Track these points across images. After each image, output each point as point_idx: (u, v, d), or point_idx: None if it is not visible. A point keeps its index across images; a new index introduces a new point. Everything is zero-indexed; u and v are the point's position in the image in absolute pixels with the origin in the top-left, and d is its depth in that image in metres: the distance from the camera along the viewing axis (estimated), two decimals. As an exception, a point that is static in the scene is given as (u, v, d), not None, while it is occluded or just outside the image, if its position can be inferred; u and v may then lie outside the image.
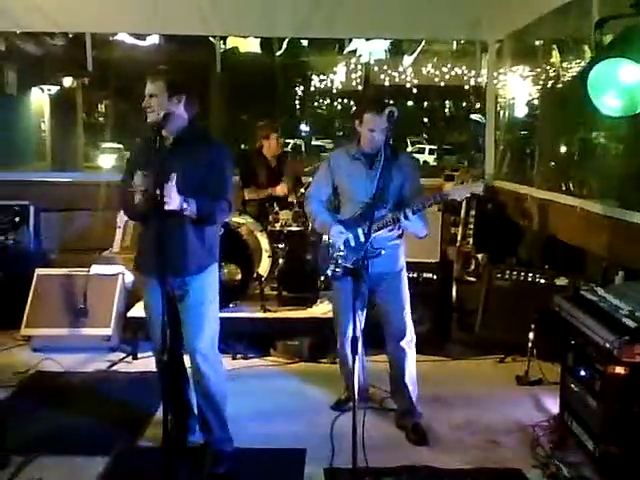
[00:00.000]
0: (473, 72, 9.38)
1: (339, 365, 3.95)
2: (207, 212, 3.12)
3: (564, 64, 6.83)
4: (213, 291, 3.28)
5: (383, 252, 3.49)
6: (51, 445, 3.48)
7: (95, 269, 5.08)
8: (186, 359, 3.36)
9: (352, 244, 3.56)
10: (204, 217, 3.12)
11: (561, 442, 3.46)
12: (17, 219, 5.71)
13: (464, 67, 10.14)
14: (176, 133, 3.13)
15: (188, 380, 3.43)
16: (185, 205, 3.01)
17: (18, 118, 8.25)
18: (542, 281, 4.80)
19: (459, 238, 5.43)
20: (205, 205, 3.09)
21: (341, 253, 3.56)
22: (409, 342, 3.68)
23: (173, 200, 2.93)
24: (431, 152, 22.04)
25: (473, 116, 10.47)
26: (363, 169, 3.55)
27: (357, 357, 2.84)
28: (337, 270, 3.57)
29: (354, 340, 2.80)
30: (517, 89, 7.23)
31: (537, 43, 6.63)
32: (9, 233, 5.65)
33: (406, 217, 3.36)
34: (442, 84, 11.06)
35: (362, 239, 3.51)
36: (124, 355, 4.82)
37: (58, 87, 9.11)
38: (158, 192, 2.85)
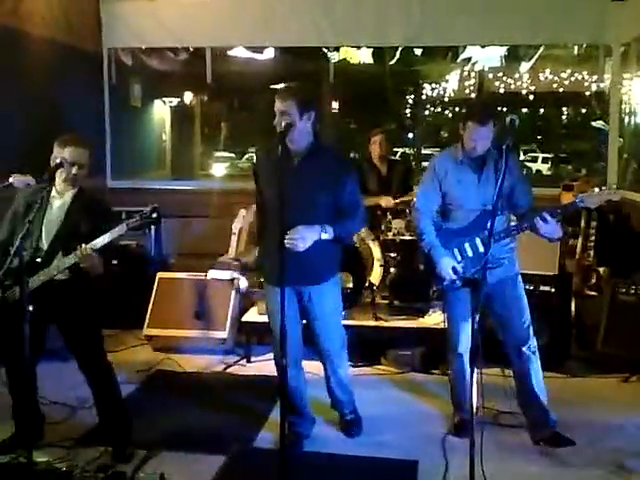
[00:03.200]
0: (595, 77, 8.99)
1: (450, 386, 3.82)
2: (345, 234, 3.30)
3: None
4: (337, 299, 3.47)
5: (506, 262, 3.41)
6: (172, 441, 3.63)
7: (212, 274, 5.27)
8: (311, 365, 3.54)
9: (469, 254, 3.48)
10: (342, 239, 3.29)
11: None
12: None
13: (585, 72, 9.74)
14: (305, 149, 3.22)
15: (305, 386, 3.56)
16: (324, 235, 3.18)
17: (142, 129, 8.72)
18: (670, 297, 4.53)
19: (579, 250, 5.21)
20: (343, 229, 3.25)
21: (458, 266, 3.47)
22: (533, 349, 3.55)
23: (303, 244, 3.10)
24: (545, 161, 21.28)
25: (594, 123, 10.02)
26: (471, 174, 3.45)
27: (474, 370, 2.79)
28: (455, 281, 3.48)
29: (473, 351, 2.75)
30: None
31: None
32: (132, 237, 5.95)
33: (545, 220, 3.22)
34: (561, 90, 10.68)
35: (481, 249, 3.42)
36: (238, 358, 4.97)
37: (179, 99, 9.57)
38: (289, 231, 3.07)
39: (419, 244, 3.61)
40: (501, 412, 3.96)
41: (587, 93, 10.37)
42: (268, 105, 3.23)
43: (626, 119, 6.88)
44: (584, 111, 11.25)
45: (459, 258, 3.49)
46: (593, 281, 5.10)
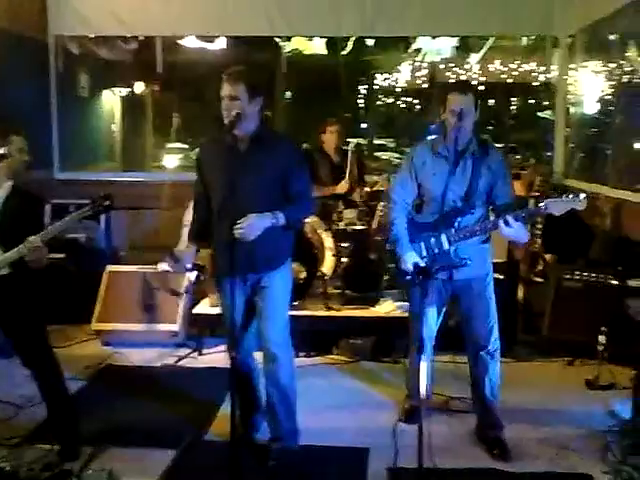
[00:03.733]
0: (543, 68, 9.14)
1: (407, 374, 3.84)
2: (295, 220, 3.23)
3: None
4: (288, 285, 3.36)
5: (469, 262, 3.31)
6: (121, 437, 3.58)
7: (162, 266, 5.19)
8: (257, 355, 3.42)
9: (435, 251, 3.38)
10: (292, 225, 3.20)
11: (634, 448, 3.34)
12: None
13: (533, 63, 9.90)
14: (252, 135, 3.16)
15: (257, 377, 3.49)
16: (274, 221, 3.08)
17: (91, 120, 8.53)
18: (614, 282, 4.65)
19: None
20: (293, 214, 3.17)
21: (421, 260, 3.38)
22: (492, 352, 3.49)
23: (251, 233, 3.01)
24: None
25: (542, 114, 10.20)
26: (447, 167, 3.32)
27: (425, 359, 2.81)
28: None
29: (422, 340, 2.77)
30: (589, 85, 7.02)
31: (612, 37, 6.43)
32: (82, 231, 5.84)
33: (507, 224, 3.11)
34: (510, 81, 10.83)
35: (446, 246, 3.34)
36: (190, 350, 4.93)
37: (129, 90, 9.39)
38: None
39: (388, 235, 3.54)
40: (452, 398, 4.02)
41: (535, 84, 10.54)
42: (218, 96, 3.15)
43: (572, 109, 7.02)
44: (532, 102, 11.41)
45: (424, 253, 3.41)
46: (540, 268, 5.20)
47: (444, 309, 3.55)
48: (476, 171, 3.29)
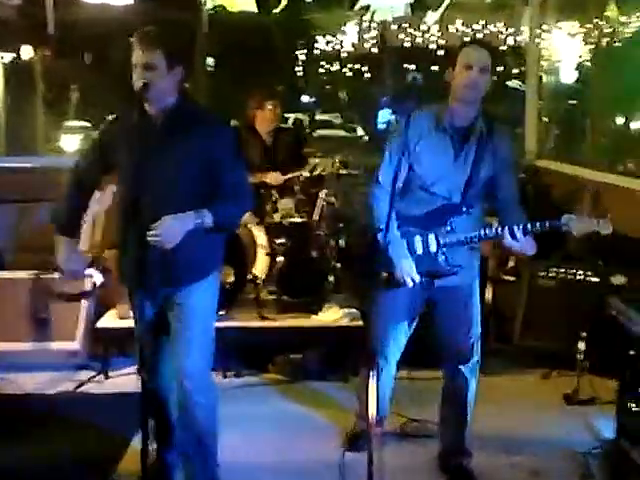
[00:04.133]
0: (511, 30, 9.34)
1: (361, 396, 3.76)
2: (227, 220, 3.09)
3: (622, 18, 6.80)
4: (212, 303, 3.23)
5: (464, 268, 3.28)
6: (10, 481, 3.50)
7: (59, 272, 5.09)
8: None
9: (418, 251, 3.30)
10: (222, 227, 3.07)
11: (617, 472, 3.46)
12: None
13: (500, 24, 10.10)
14: (170, 111, 3.05)
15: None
16: (199, 222, 2.94)
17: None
18: (595, 280, 4.79)
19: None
20: (224, 213, 3.02)
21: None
22: (472, 366, 3.52)
23: (169, 240, 2.89)
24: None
25: (510, 83, 10.42)
26: (450, 149, 3.21)
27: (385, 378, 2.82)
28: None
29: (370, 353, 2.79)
30: (564, 49, 7.22)
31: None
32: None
33: (514, 236, 3.09)
34: (473, 45, 11.05)
35: (433, 249, 3.27)
36: (94, 373, 4.85)
37: (13, 55, 9.14)
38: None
39: (367, 231, 3.39)
40: (411, 420, 4.08)
41: (502, 48, 10.78)
42: (129, 62, 3.06)
43: (545, 78, 7.19)
44: (499, 69, 11.67)
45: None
46: (510, 265, 5.31)
47: (416, 319, 3.53)
48: (479, 157, 3.20)
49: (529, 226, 3.10)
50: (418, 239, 3.29)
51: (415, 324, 3.54)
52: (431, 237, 3.26)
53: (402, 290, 3.32)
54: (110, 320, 4.97)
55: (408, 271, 3.25)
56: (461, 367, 3.51)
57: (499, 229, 3.15)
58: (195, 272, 3.12)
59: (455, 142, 3.21)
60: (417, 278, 3.26)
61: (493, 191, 3.28)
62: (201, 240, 3.02)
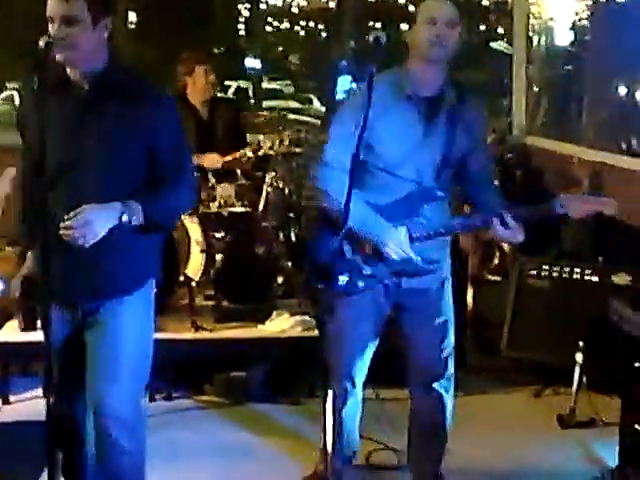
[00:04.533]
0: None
1: (324, 418, 3.77)
2: (163, 215, 2.97)
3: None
4: (145, 321, 3.15)
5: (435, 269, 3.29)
6: None
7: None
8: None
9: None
10: (157, 223, 2.96)
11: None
12: None
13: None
14: (95, 77, 2.94)
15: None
16: (125, 218, 2.81)
17: None
18: (595, 279, 4.87)
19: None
20: (160, 207, 2.92)
21: (372, 260, 3.29)
22: (447, 382, 3.55)
23: (87, 236, 2.75)
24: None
25: (494, 44, 10.51)
26: (416, 122, 3.21)
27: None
28: (357, 281, 3.30)
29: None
30: (558, 6, 7.28)
31: None
32: None
33: (504, 224, 3.11)
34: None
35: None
36: (-10, 399, 4.79)
37: None
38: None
39: (321, 220, 3.36)
40: (383, 446, 4.10)
41: (485, 3, 10.87)
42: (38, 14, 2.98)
43: (536, 39, 7.26)
44: (481, 28, 11.75)
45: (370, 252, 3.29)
46: (495, 262, 5.37)
47: (382, 328, 3.53)
48: (451, 132, 3.21)
49: (523, 211, 3.15)
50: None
51: (381, 334, 3.53)
52: (402, 231, 3.21)
53: (367, 294, 3.32)
54: (10, 333, 4.89)
55: (402, 241, 3.19)
56: (434, 385, 3.53)
57: (488, 217, 3.16)
58: (124, 282, 3.02)
59: (423, 114, 3.20)
60: (413, 255, 3.22)
61: (469, 171, 3.32)
62: (132, 240, 2.92)
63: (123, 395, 3.03)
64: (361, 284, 3.30)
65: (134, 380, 3.10)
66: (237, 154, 5.45)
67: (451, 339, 3.51)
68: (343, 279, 3.27)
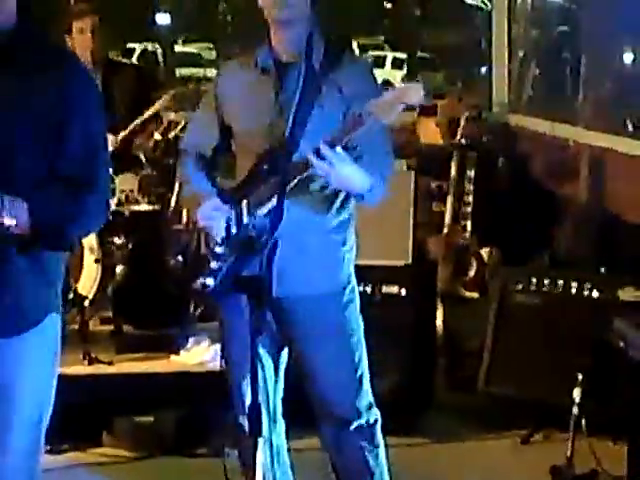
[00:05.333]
0: None
1: (240, 461, 3.76)
2: (56, 228, 2.86)
3: None
4: (46, 366, 3.05)
5: (279, 242, 3.24)
6: None
7: None
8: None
9: (234, 231, 3.38)
10: (47, 238, 2.86)
11: None
12: None
13: None
14: (2, 38, 2.96)
15: None
16: (4, 216, 2.71)
17: None
18: (596, 294, 4.90)
19: (447, 220, 5.50)
20: (52, 212, 2.83)
21: (218, 249, 3.40)
22: (366, 429, 3.58)
23: None
24: (397, 64, 22.05)
25: (470, 0, 10.63)
26: (271, 90, 3.48)
27: (262, 442, 2.83)
28: (212, 281, 3.34)
29: (253, 411, 2.79)
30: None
31: None
32: None
33: (320, 155, 3.17)
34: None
35: (245, 219, 3.40)
36: None
37: None
38: None
39: (180, 202, 3.67)
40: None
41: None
42: None
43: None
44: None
45: (219, 240, 3.40)
46: (471, 273, 5.39)
47: (284, 352, 3.60)
48: (312, 93, 3.38)
49: (334, 133, 3.21)
50: (232, 216, 3.40)
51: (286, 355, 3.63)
52: (243, 205, 3.39)
53: (240, 303, 3.33)
54: None
55: (208, 212, 3.41)
56: (343, 433, 3.56)
57: (303, 156, 3.25)
58: (14, 317, 2.96)
59: (277, 81, 3.48)
60: (220, 220, 3.34)
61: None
62: (24, 259, 2.88)
63: (16, 454, 3.01)
64: (209, 282, 3.33)
65: (30, 441, 3.06)
66: (132, 125, 5.40)
67: (361, 362, 3.56)
68: (201, 280, 3.35)
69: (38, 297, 2.97)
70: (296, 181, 3.27)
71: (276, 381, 3.60)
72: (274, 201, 3.22)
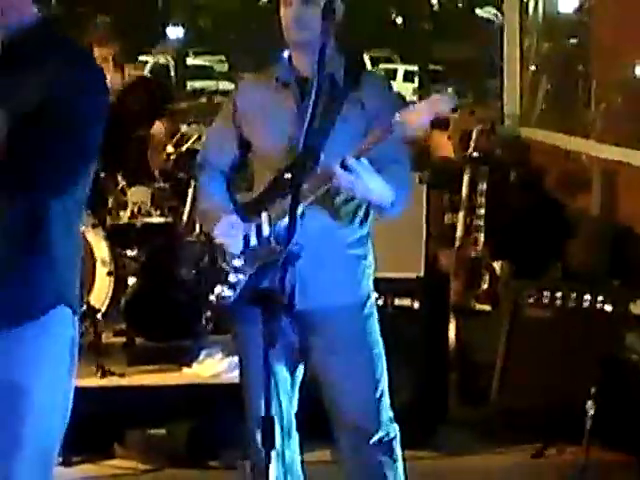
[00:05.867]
0: None
1: (252, 474, 3.71)
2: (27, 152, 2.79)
3: None
4: (52, 367, 2.82)
5: (302, 255, 3.22)
6: None
7: None
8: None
9: (254, 242, 3.41)
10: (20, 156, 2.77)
11: None
12: None
13: None
14: (11, 34, 2.97)
15: None
16: None
17: None
18: (609, 308, 4.88)
19: (459, 233, 5.48)
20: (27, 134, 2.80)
21: (237, 262, 3.44)
22: (386, 443, 3.55)
23: None
24: (409, 77, 22.04)
25: (480, 12, 10.63)
26: (292, 104, 3.49)
27: (275, 455, 2.82)
28: (230, 292, 3.41)
29: (266, 423, 2.78)
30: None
31: None
32: None
33: (346, 167, 3.20)
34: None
35: (265, 231, 3.42)
36: None
37: None
38: None
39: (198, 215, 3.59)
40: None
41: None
42: None
43: (532, 4, 7.31)
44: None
45: (237, 253, 3.42)
46: (484, 286, 5.38)
47: (300, 366, 3.59)
48: (332, 106, 3.39)
49: (361, 144, 3.23)
50: (253, 229, 3.39)
51: (296, 372, 3.60)
52: (263, 217, 3.38)
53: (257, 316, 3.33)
54: None
55: (226, 228, 3.39)
56: (364, 447, 3.54)
57: (328, 168, 3.24)
58: (9, 308, 2.94)
59: (299, 95, 3.47)
60: (236, 238, 3.36)
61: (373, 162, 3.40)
62: (28, 248, 2.68)
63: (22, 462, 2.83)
64: (228, 294, 3.39)
65: (37, 441, 2.87)
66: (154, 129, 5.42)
67: (382, 377, 3.54)
68: (217, 292, 3.42)
69: (37, 286, 2.72)
70: (319, 194, 3.28)
71: (291, 396, 3.58)
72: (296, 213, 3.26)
